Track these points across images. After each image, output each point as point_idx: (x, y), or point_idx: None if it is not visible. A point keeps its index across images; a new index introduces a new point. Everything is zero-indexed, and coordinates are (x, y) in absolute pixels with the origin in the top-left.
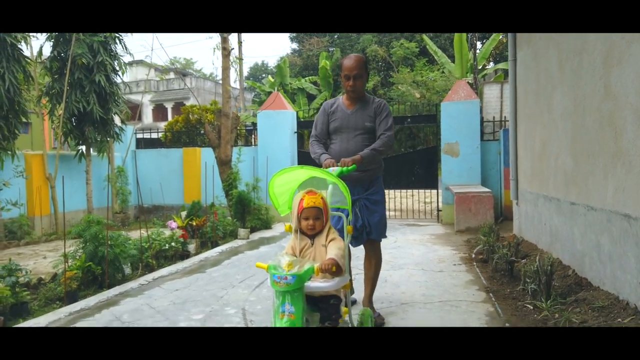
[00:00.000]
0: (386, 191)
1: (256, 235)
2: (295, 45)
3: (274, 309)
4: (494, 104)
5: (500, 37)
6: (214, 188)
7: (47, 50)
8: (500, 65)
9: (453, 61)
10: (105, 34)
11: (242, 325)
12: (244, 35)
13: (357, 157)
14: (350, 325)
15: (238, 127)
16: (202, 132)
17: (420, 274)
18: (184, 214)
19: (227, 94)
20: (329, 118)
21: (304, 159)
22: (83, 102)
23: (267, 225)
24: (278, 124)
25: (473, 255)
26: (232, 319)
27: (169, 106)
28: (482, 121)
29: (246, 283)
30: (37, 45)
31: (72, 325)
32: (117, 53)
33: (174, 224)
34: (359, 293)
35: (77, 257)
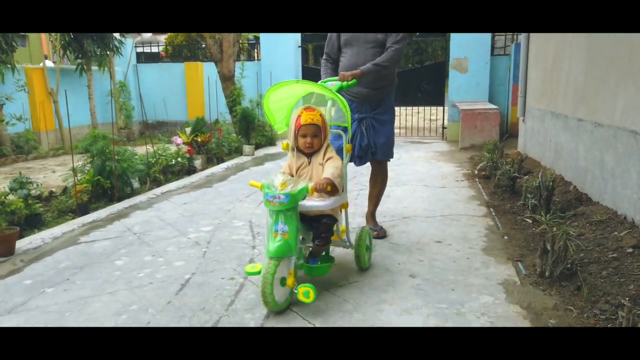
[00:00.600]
0: None
1: (261, 152)
2: None
3: (267, 228)
4: None
5: None
6: (217, 104)
7: None
8: None
9: None
10: None
11: (249, 236)
12: None
13: (357, 72)
14: (347, 244)
15: (240, 41)
16: (203, 45)
17: (423, 190)
18: (188, 130)
19: None
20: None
21: (309, 74)
22: None
23: (271, 141)
24: (281, 37)
25: (476, 172)
26: (240, 231)
27: None
28: (492, 35)
29: (252, 198)
30: None
31: (85, 235)
32: None
33: (179, 140)
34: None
35: (86, 172)
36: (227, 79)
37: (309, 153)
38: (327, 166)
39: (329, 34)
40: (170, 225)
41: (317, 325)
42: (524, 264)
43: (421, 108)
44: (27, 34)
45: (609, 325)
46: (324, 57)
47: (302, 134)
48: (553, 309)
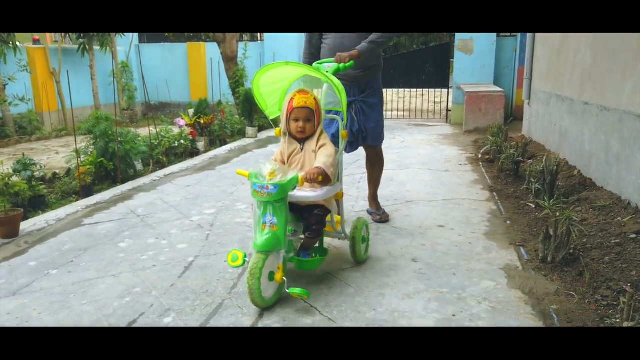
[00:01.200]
0: (395, 90)
1: (264, 134)
2: None
3: (255, 220)
4: None
5: None
6: (220, 85)
7: None
8: None
9: None
10: None
11: (252, 219)
12: None
13: (354, 52)
14: (343, 236)
15: None
16: None
17: (426, 174)
18: (191, 111)
19: None
20: None
21: None
22: None
23: (275, 124)
24: None
25: (479, 156)
26: (243, 214)
27: None
28: None
29: None
30: None
31: (89, 217)
32: None
33: (182, 122)
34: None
35: (89, 153)
36: (230, 59)
37: (302, 139)
38: (320, 154)
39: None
40: (174, 207)
41: (319, 308)
42: (526, 249)
43: (425, 90)
44: None
45: (610, 312)
46: (306, 54)
47: (294, 117)
48: (555, 295)
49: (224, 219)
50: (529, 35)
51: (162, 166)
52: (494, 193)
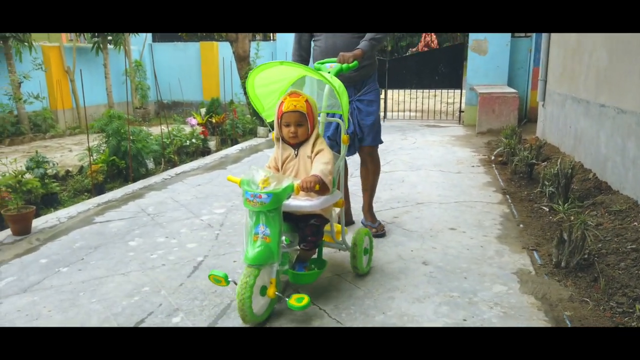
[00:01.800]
0: (407, 91)
1: None
2: None
3: (246, 230)
4: None
5: None
6: (232, 84)
7: None
8: None
9: None
10: None
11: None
12: None
13: (357, 52)
14: (343, 247)
15: None
16: None
17: (438, 175)
18: (203, 110)
19: None
20: None
21: None
22: None
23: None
24: None
25: (492, 158)
26: None
27: None
28: None
29: None
30: None
31: (100, 215)
32: None
33: (193, 121)
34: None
35: (101, 151)
36: (242, 59)
37: (296, 144)
38: (316, 161)
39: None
40: (184, 206)
41: (328, 310)
42: (539, 253)
43: (438, 91)
44: None
45: (625, 319)
46: (295, 56)
47: (284, 122)
48: (568, 301)
49: (234, 219)
50: (544, 35)
51: (174, 165)
52: (507, 196)
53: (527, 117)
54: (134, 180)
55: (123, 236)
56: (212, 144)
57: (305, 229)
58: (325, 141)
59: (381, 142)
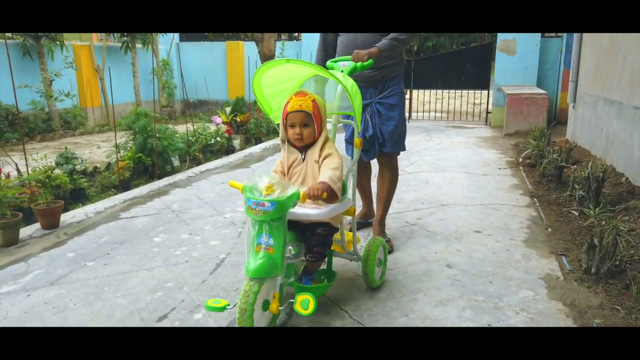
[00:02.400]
0: (433, 91)
1: None
2: None
3: (248, 240)
4: None
5: None
6: None
7: None
8: None
9: None
10: None
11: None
12: None
13: (373, 50)
14: (355, 257)
15: None
16: None
17: (463, 177)
18: (228, 109)
19: None
20: None
21: None
22: None
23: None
24: None
25: (520, 160)
26: None
27: None
28: None
29: None
30: None
31: (126, 211)
32: None
33: (218, 119)
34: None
35: (128, 148)
36: (267, 58)
37: (303, 147)
38: (325, 166)
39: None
40: (208, 204)
41: (349, 311)
42: (568, 258)
43: (464, 92)
44: None
45: None
46: (320, 51)
47: (289, 123)
48: (598, 308)
49: None
50: (575, 35)
51: (198, 163)
52: (535, 199)
53: (557, 119)
54: (160, 177)
55: (148, 232)
56: (236, 142)
57: (312, 239)
58: (344, 144)
59: (403, 149)
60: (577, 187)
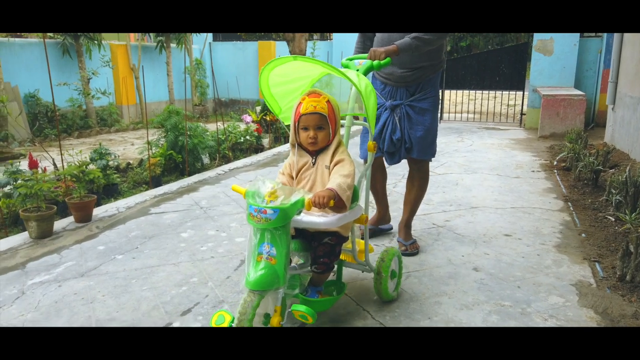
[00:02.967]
0: (466, 92)
1: None
2: None
3: (249, 249)
4: None
5: None
6: None
7: None
8: None
9: None
10: None
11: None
12: None
13: (391, 48)
14: (367, 268)
15: None
16: None
17: (495, 179)
18: (258, 108)
19: None
20: None
21: None
22: None
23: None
24: None
25: (555, 163)
26: None
27: None
28: None
29: None
30: None
31: (156, 206)
32: None
33: (248, 118)
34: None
35: (160, 146)
36: None
37: (314, 151)
38: (335, 173)
39: None
40: (235, 201)
41: (372, 312)
42: (602, 265)
43: (498, 92)
44: None
45: None
46: (358, 43)
47: (302, 125)
48: (632, 317)
49: None
50: (616, 35)
51: (228, 161)
52: (569, 203)
53: (595, 121)
54: (190, 174)
55: (176, 227)
56: (265, 141)
57: (318, 249)
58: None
59: (432, 156)
60: (614, 191)
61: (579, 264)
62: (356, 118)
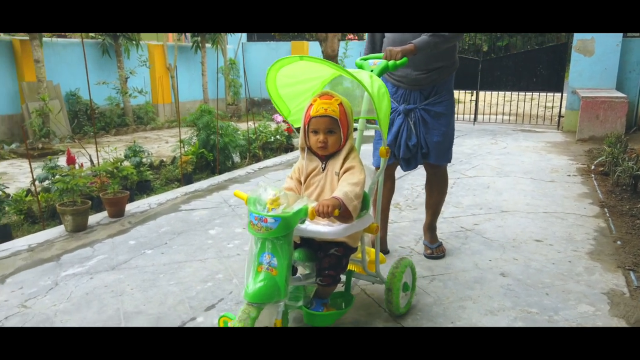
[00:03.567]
0: (502, 93)
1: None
2: None
3: (249, 258)
4: None
5: None
6: None
7: None
8: None
9: None
10: None
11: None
12: None
13: (408, 47)
14: (378, 279)
15: None
16: None
17: (528, 183)
18: None
19: None
20: None
21: None
22: None
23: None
24: None
25: (592, 167)
26: None
27: None
28: None
29: None
30: None
31: (186, 203)
32: None
33: (279, 118)
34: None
35: (192, 144)
36: (330, 58)
37: (324, 156)
38: (344, 180)
39: None
40: None
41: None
42: (636, 274)
43: (535, 94)
44: None
45: None
46: (368, 42)
47: (312, 129)
48: None
49: None
50: None
51: (258, 160)
52: (605, 209)
53: (637, 124)
54: (220, 172)
55: (204, 224)
56: (295, 140)
57: (323, 261)
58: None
59: (448, 161)
60: None
61: (613, 272)
62: (371, 122)
